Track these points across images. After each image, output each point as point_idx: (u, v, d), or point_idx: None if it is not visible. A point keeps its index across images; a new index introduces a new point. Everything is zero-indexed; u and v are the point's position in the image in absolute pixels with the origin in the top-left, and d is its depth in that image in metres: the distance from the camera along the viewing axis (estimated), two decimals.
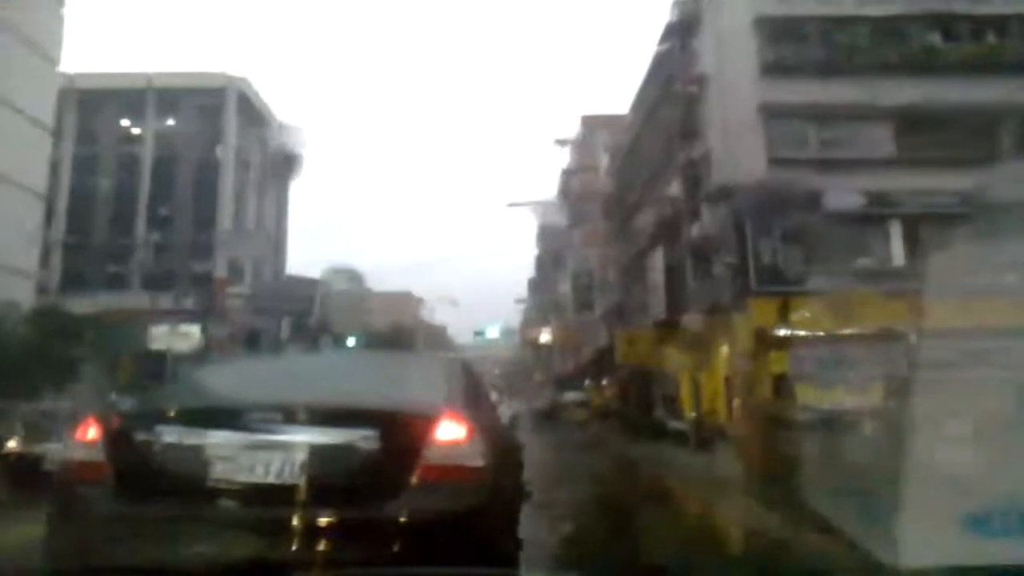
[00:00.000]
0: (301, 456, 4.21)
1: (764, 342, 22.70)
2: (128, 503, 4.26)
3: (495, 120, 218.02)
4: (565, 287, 50.57)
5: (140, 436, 4.39)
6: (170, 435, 4.34)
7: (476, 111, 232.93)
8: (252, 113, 67.43)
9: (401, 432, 4.34)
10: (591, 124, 53.60)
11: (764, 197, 22.74)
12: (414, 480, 4.25)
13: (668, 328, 29.41)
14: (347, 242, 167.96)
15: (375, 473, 4.22)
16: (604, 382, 44.80)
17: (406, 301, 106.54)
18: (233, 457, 4.25)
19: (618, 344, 31.71)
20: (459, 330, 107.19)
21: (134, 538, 4.10)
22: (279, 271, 73.81)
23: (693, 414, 26.94)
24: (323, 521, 4.08)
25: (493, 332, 55.03)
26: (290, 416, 4.32)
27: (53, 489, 4.74)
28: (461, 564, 3.96)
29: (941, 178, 23.24)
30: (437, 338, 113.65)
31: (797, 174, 23.28)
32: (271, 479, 4.21)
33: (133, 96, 61.90)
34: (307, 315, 58.56)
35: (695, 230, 26.27)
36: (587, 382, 47.39)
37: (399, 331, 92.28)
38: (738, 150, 24.35)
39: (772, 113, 24.42)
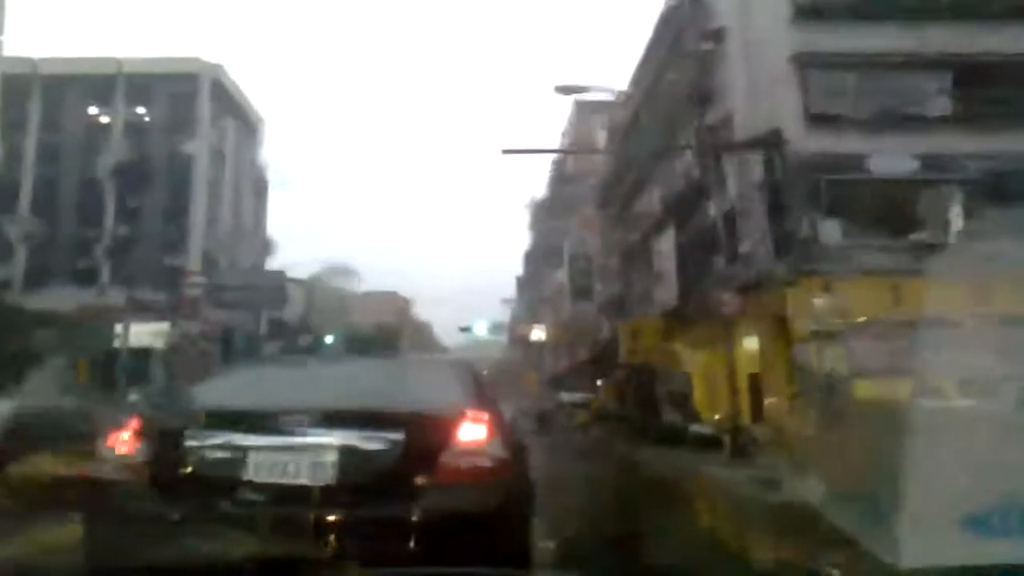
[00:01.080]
0: (332, 458, 4.33)
1: (804, 332, 18.87)
2: (165, 504, 4.31)
3: (484, 107, 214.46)
4: (560, 276, 46.76)
5: (176, 438, 4.48)
6: (206, 438, 4.45)
7: (464, 99, 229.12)
8: (228, 102, 63.43)
9: (426, 434, 4.46)
10: (585, 108, 49.97)
11: (804, 160, 18.95)
12: (439, 480, 4.35)
13: (679, 318, 25.54)
14: (332, 241, 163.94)
15: (401, 473, 4.32)
16: (599, 382, 40.92)
17: (392, 301, 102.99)
18: (266, 459, 4.35)
19: (621, 337, 27.69)
20: (445, 329, 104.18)
21: (170, 538, 4.14)
22: (259, 267, 69.84)
23: (715, 416, 23.06)
24: (353, 520, 4.21)
25: (481, 328, 51.26)
26: (320, 419, 4.42)
27: (91, 489, 4.84)
28: (484, 562, 3.81)
29: (1006, 139, 19.47)
30: (423, 338, 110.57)
31: (839, 134, 19.45)
32: (303, 480, 4.30)
33: (101, 82, 58.03)
34: (276, 308, 54.68)
35: (714, 206, 22.37)
36: (579, 382, 43.77)
37: (384, 330, 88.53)
38: (768, 109, 20.45)
39: (808, 63, 20.47)
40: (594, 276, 34.45)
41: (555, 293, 51.74)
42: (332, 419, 4.42)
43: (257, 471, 4.32)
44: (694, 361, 26.27)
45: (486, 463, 4.47)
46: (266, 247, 68.40)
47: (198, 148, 59.69)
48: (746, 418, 22.50)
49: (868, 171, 19.08)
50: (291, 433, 4.36)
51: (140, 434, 4.62)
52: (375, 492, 4.24)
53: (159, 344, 50.48)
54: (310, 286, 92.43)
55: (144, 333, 50.48)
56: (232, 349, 50.90)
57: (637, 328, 26.78)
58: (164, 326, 50.26)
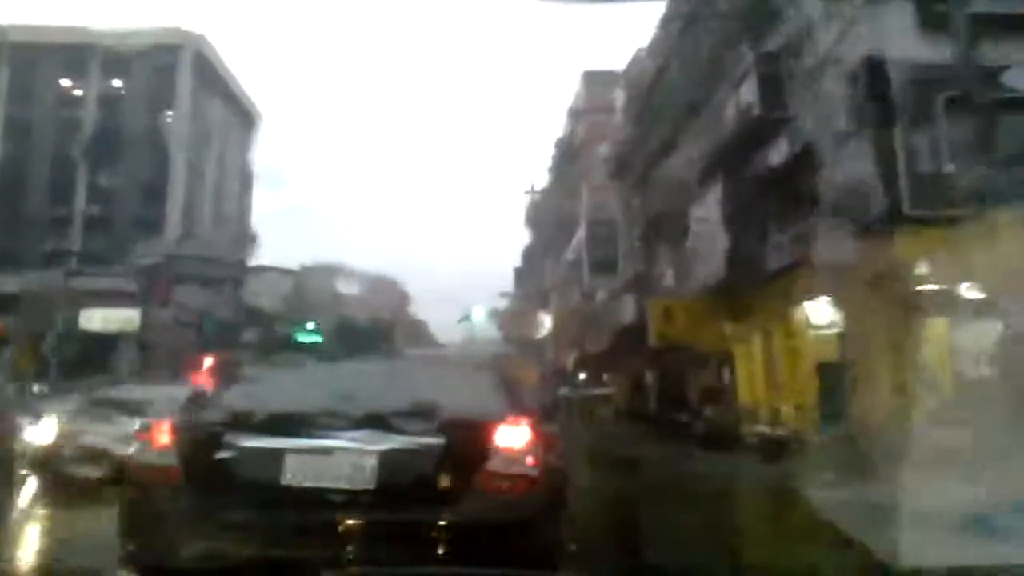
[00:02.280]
0: (371, 462, 4.24)
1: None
2: (200, 507, 4.22)
3: (478, 107, 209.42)
4: (570, 256, 41.80)
5: (212, 441, 4.38)
6: (243, 440, 4.35)
7: (461, 99, 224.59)
8: (212, 76, 58.39)
9: (467, 438, 4.36)
10: (594, 80, 45.15)
11: (919, 75, 14.07)
12: (481, 486, 4.27)
13: (726, 293, 20.59)
14: (328, 237, 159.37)
15: (442, 478, 4.24)
16: (605, 376, 35.91)
17: (389, 290, 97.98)
18: (304, 462, 4.26)
19: (651, 317, 22.53)
20: (440, 326, 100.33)
21: (206, 541, 4.09)
22: (245, 254, 64.81)
23: (775, 411, 18.14)
24: (393, 525, 4.11)
25: (479, 314, 46.19)
26: (359, 422, 4.33)
27: (126, 492, 4.81)
28: (525, 564, 3.99)
29: None
30: (418, 332, 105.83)
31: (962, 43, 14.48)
32: (343, 484, 4.22)
33: (75, 53, 53.13)
34: (236, 285, 50.17)
35: (786, 145, 17.46)
36: (591, 376, 38.80)
37: (377, 324, 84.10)
38: (862, 17, 15.53)
39: None
40: (617, 243, 29.30)
41: (563, 279, 46.73)
42: (371, 422, 4.33)
43: (294, 474, 4.24)
44: (744, 345, 21.33)
45: (528, 469, 4.42)
46: (248, 239, 63.42)
47: (178, 124, 54.74)
48: (813, 416, 17.65)
49: (1006, 88, 14.11)
50: (329, 436, 4.30)
51: (175, 436, 4.58)
52: (415, 497, 4.18)
53: (130, 330, 45.91)
54: (299, 277, 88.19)
55: (114, 319, 45.95)
56: (206, 337, 46.09)
57: (671, 307, 21.77)
58: (135, 312, 45.56)
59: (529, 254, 75.15)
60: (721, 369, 23.24)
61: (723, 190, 20.83)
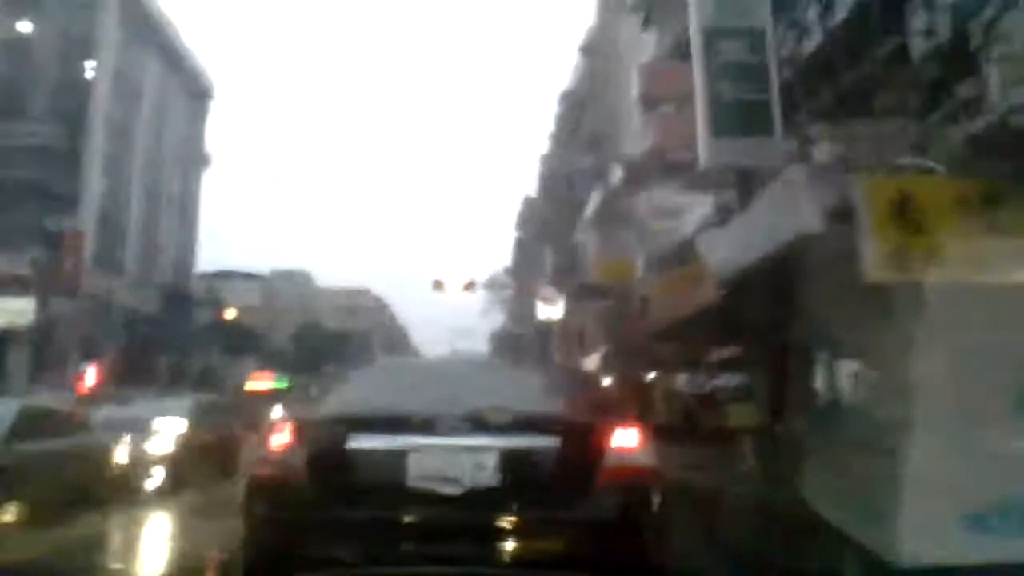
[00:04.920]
0: (492, 460, 4.29)
1: None
2: (325, 505, 4.29)
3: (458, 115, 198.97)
4: (590, 208, 31.03)
5: (334, 441, 4.42)
6: (366, 440, 4.41)
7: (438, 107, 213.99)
8: (142, 19, 47.01)
9: (581, 438, 4.44)
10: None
11: None
12: (597, 484, 4.33)
13: None
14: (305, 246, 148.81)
15: (559, 478, 4.32)
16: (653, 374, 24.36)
17: (360, 298, 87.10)
18: (427, 461, 4.31)
19: (867, 210, 10.33)
20: (428, 337, 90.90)
21: (332, 538, 4.17)
22: (188, 242, 53.38)
23: None
24: (514, 521, 4.22)
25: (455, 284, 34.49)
26: (478, 423, 4.36)
27: (249, 492, 4.74)
28: (633, 563, 4.13)
29: None
30: (398, 340, 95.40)
31: None
32: (465, 482, 4.26)
33: None
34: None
35: None
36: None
37: (349, 330, 73.50)
38: None
39: None
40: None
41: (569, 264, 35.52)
42: (490, 423, 4.38)
43: (418, 472, 4.30)
44: None
45: (640, 469, 4.51)
46: (190, 223, 52.16)
47: (100, 75, 43.35)
48: None
49: None
50: (450, 436, 4.33)
51: (298, 437, 4.58)
52: (534, 495, 4.25)
53: (22, 324, 34.81)
54: (268, 283, 78.30)
55: (2, 311, 34.60)
56: (113, 331, 34.98)
57: (908, 188, 10.04)
58: (22, 302, 34.17)
59: (521, 247, 64.52)
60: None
61: None
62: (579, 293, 31.23)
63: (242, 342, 49.76)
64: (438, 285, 25.03)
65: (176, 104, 53.06)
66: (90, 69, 43.57)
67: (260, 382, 42.01)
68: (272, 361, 53.65)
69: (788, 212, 8.34)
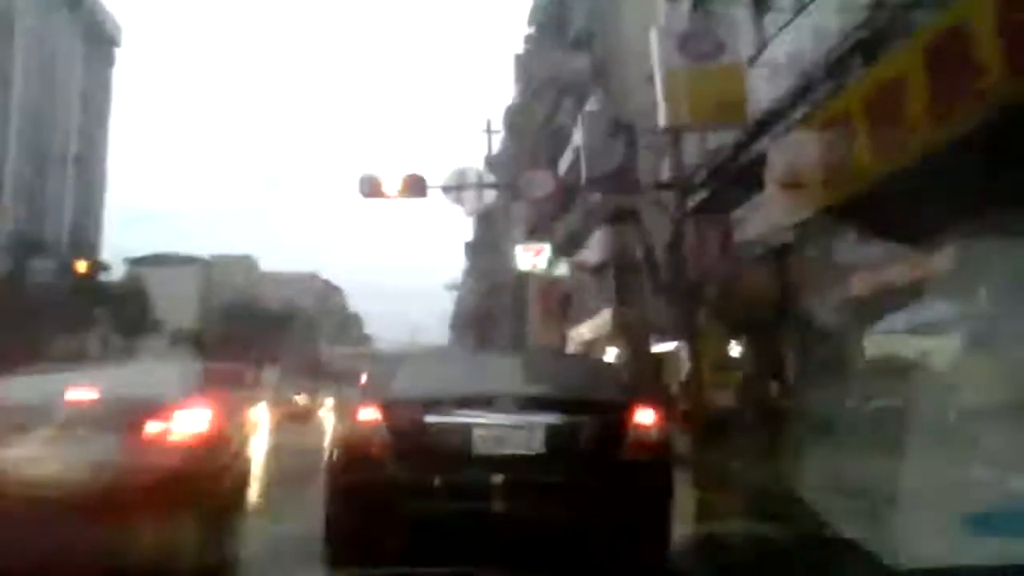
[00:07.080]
0: (541, 433, 5.36)
1: None
2: (406, 473, 5.24)
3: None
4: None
5: (412, 418, 5.41)
6: (440, 417, 5.40)
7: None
8: None
9: (611, 417, 5.52)
10: None
11: None
12: (626, 454, 5.39)
13: None
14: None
15: (593, 449, 5.39)
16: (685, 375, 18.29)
17: (308, 282, 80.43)
18: (489, 433, 5.35)
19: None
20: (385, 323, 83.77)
21: (412, 500, 5.13)
22: (91, 207, 46.19)
23: None
24: (555, 482, 5.18)
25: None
26: (527, 402, 5.52)
27: (339, 460, 5.73)
28: (647, 525, 5.32)
29: None
30: (349, 328, 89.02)
31: None
32: (520, 450, 5.33)
33: None
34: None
35: None
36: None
37: (293, 316, 66.94)
38: None
39: None
40: None
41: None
42: (536, 403, 5.55)
43: (482, 443, 5.32)
44: None
45: (659, 443, 5.62)
46: (97, 184, 44.90)
47: None
48: None
49: None
50: (508, 413, 5.39)
51: (382, 414, 5.45)
52: (575, 463, 5.29)
53: None
54: (207, 268, 72.07)
55: None
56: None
57: None
58: None
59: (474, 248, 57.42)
60: None
61: None
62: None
63: (138, 317, 41.62)
64: (373, 187, 16.16)
65: (72, 52, 45.50)
66: None
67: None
68: (182, 343, 45.77)
69: None
